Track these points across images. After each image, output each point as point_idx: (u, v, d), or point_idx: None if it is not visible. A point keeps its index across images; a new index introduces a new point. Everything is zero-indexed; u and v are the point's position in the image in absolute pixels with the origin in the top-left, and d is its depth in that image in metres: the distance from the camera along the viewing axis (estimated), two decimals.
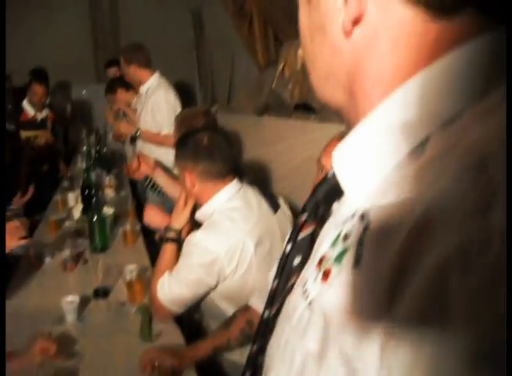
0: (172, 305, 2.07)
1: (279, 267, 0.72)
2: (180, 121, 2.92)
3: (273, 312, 0.73)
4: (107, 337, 2.03)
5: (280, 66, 4.40)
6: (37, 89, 5.13)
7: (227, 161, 2.14)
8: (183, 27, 8.91)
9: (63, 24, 8.64)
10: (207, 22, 8.67)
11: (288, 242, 0.72)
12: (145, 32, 8.36)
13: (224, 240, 2.02)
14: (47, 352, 1.78)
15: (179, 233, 2.21)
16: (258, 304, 1.90)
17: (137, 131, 4.05)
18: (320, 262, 0.56)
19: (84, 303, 2.24)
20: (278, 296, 0.72)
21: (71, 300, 2.18)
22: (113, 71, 5.61)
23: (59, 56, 8.04)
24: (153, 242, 2.94)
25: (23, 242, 2.26)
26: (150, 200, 3.92)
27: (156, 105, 4.03)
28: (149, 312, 2.12)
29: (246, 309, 1.92)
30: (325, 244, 0.57)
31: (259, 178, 3.80)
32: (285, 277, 0.71)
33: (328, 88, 0.59)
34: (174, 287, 2.06)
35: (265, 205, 2.21)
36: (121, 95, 4.91)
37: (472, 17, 0.49)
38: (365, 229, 0.48)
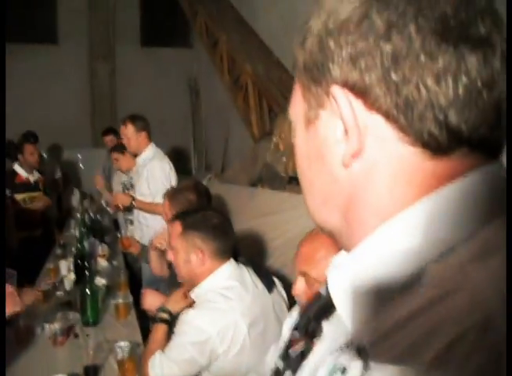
0: None
1: None
2: (171, 195, 2.96)
3: None
4: None
5: (275, 139, 4.49)
6: (32, 150, 5.18)
7: (232, 240, 2.17)
8: (179, 95, 9.12)
9: (62, 90, 8.81)
10: (203, 91, 8.88)
11: (281, 359, 0.73)
12: (141, 99, 8.56)
13: (217, 320, 2.01)
14: None
15: (173, 315, 2.20)
16: None
17: (132, 201, 4.08)
18: None
19: None
20: None
21: None
22: (109, 139, 5.71)
23: (55, 120, 8.17)
24: (144, 315, 2.91)
25: (17, 309, 2.22)
26: (144, 271, 3.92)
27: (150, 174, 4.09)
28: None
29: None
30: (321, 371, 0.58)
31: (253, 250, 3.81)
32: None
33: (324, 213, 0.60)
34: (165, 366, 2.03)
35: (260, 285, 2.21)
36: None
37: (468, 154, 0.52)
38: (364, 367, 0.48)
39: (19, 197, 4.98)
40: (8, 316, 2.18)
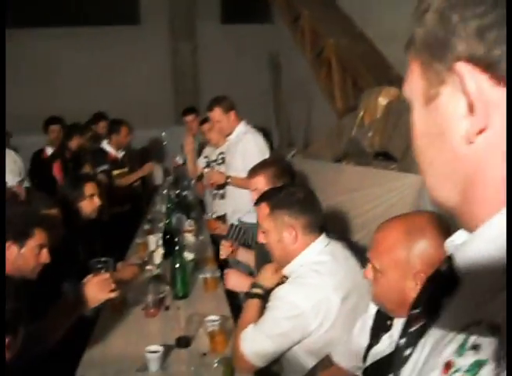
0: (255, 359, 2.05)
1: (394, 358, 0.71)
2: (264, 175, 2.94)
3: None
4: None
5: (360, 114, 4.39)
6: (127, 132, 5.36)
7: (320, 213, 2.15)
8: (260, 72, 9.11)
9: (145, 69, 8.99)
10: (284, 65, 8.82)
11: (401, 337, 0.71)
12: (223, 77, 8.61)
13: (311, 295, 2.00)
14: None
15: (266, 290, 2.20)
16: (342, 360, 1.86)
17: (228, 178, 4.11)
18: (447, 367, 0.54)
19: (166, 352, 2.25)
20: None
21: (155, 350, 2.19)
22: (190, 119, 5.74)
23: (139, 99, 8.36)
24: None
25: (112, 295, 2.31)
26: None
27: (245, 149, 4.08)
28: (231, 364, 2.10)
29: (327, 364, 1.87)
30: (449, 348, 0.55)
31: (338, 227, 3.76)
32: (397, 368, 0.70)
33: (444, 191, 0.60)
34: (258, 341, 2.04)
35: (352, 260, 2.18)
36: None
37: None
38: (500, 344, 0.47)
39: (100, 169, 5.12)
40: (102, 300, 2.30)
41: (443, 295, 0.66)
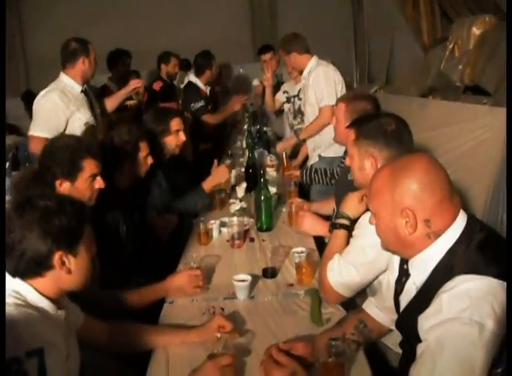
0: (342, 289, 2.05)
1: None
2: (349, 101, 2.83)
3: None
4: (276, 317, 2.06)
5: (450, 46, 4.17)
6: (216, 66, 5.38)
7: (411, 147, 2.08)
8: (340, 6, 8.80)
9: (223, 6, 8.87)
10: (366, 0, 8.47)
11: None
12: (301, 13, 8.38)
13: None
14: (223, 329, 1.84)
15: (352, 221, 2.18)
16: (372, 309, 1.86)
17: (296, 133, 4.19)
18: None
19: (253, 282, 2.30)
20: None
21: (243, 279, 2.25)
22: (267, 57, 5.60)
23: (217, 37, 8.28)
24: None
25: (198, 291, 2.29)
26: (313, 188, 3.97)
27: (315, 81, 4.08)
28: (319, 295, 2.12)
29: (359, 310, 1.90)
30: None
31: None
32: None
33: None
34: (344, 270, 2.03)
35: None
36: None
37: None
38: None
39: (196, 105, 5.09)
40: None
41: None
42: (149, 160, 2.92)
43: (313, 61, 4.18)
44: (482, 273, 1.32)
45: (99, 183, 2.33)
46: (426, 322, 1.37)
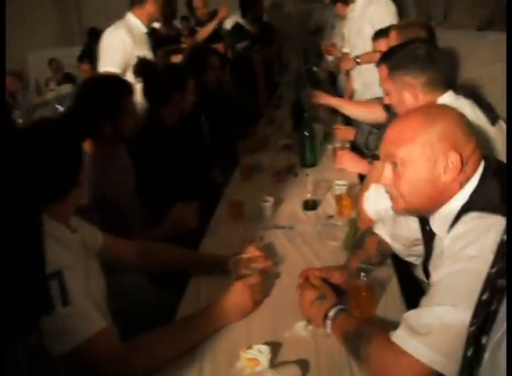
0: (378, 218, 2.04)
1: None
2: (400, 28, 2.71)
3: None
4: (312, 245, 2.09)
5: None
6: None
7: (447, 70, 2.00)
8: None
9: None
10: None
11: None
12: None
13: None
14: (257, 258, 1.85)
15: None
16: (382, 232, 1.83)
17: (357, 58, 3.93)
18: None
19: (294, 215, 2.31)
20: None
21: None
22: None
23: None
24: None
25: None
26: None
27: (377, 14, 3.82)
28: (356, 225, 2.13)
29: (371, 232, 1.87)
30: None
31: None
32: None
33: None
34: (380, 200, 2.02)
35: (482, 117, 2.02)
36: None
37: None
38: None
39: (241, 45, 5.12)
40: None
41: None
42: (192, 98, 2.98)
43: None
44: (493, 212, 1.26)
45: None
46: (431, 267, 1.38)
